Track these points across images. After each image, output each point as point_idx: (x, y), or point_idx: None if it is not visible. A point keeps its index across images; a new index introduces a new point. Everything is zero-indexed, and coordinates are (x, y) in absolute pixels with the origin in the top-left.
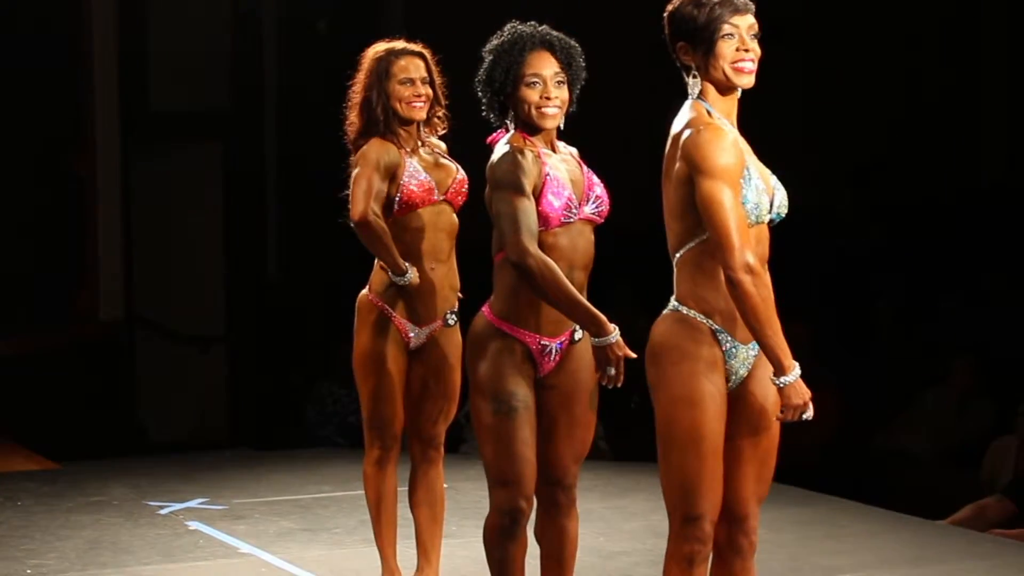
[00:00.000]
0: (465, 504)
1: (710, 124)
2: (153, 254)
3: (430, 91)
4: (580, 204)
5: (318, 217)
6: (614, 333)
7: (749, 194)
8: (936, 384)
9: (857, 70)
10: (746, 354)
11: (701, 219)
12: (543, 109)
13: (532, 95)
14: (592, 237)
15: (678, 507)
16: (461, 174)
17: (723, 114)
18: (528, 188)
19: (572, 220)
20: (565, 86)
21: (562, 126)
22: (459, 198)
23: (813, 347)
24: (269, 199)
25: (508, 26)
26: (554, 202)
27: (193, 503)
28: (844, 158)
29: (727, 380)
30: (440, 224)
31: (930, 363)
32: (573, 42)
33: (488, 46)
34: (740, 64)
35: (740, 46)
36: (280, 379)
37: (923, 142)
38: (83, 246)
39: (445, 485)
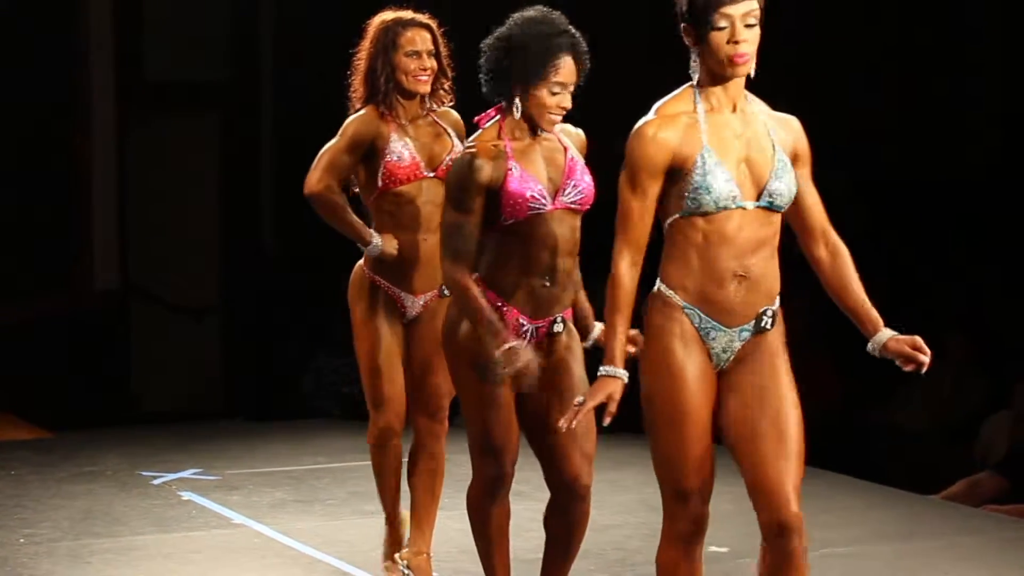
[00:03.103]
0: (459, 476)
1: (649, 121)
2: (149, 224)
3: (435, 64)
4: (557, 194)
5: None
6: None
7: (697, 179)
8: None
9: (853, 46)
10: (728, 337)
11: (665, 202)
12: (553, 116)
13: (551, 101)
14: (576, 224)
15: (667, 482)
16: (458, 149)
17: (723, 100)
18: (469, 202)
19: (541, 210)
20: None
21: None
22: None
23: (809, 323)
24: (264, 169)
25: (536, 10)
26: (517, 193)
27: (186, 473)
28: (837, 133)
29: (710, 358)
30: (430, 197)
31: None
32: (586, 45)
33: (515, 22)
34: (732, 56)
35: (731, 38)
36: (275, 350)
37: (917, 118)
38: (78, 216)
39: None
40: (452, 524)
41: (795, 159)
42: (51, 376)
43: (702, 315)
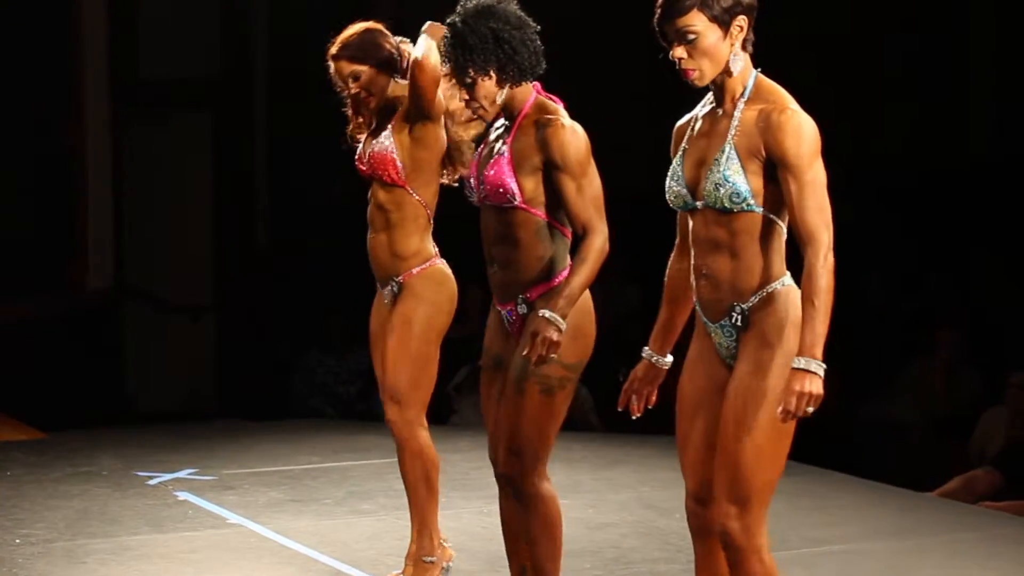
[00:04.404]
0: (454, 475)
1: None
2: (143, 224)
3: (358, 86)
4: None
5: (307, 186)
6: None
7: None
8: (922, 355)
9: (845, 41)
10: (715, 332)
11: None
12: (475, 114)
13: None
14: (503, 217)
15: None
16: (378, 148)
17: (718, 99)
18: None
19: (470, 198)
20: (477, 82)
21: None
22: (379, 173)
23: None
24: (258, 168)
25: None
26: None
27: (182, 473)
28: (829, 130)
29: (718, 353)
30: (371, 197)
31: (917, 334)
32: (471, 31)
33: None
34: (681, 72)
35: (673, 55)
36: (269, 349)
37: (910, 115)
38: (72, 216)
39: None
40: (449, 523)
41: (776, 161)
42: (46, 376)
43: (699, 309)
